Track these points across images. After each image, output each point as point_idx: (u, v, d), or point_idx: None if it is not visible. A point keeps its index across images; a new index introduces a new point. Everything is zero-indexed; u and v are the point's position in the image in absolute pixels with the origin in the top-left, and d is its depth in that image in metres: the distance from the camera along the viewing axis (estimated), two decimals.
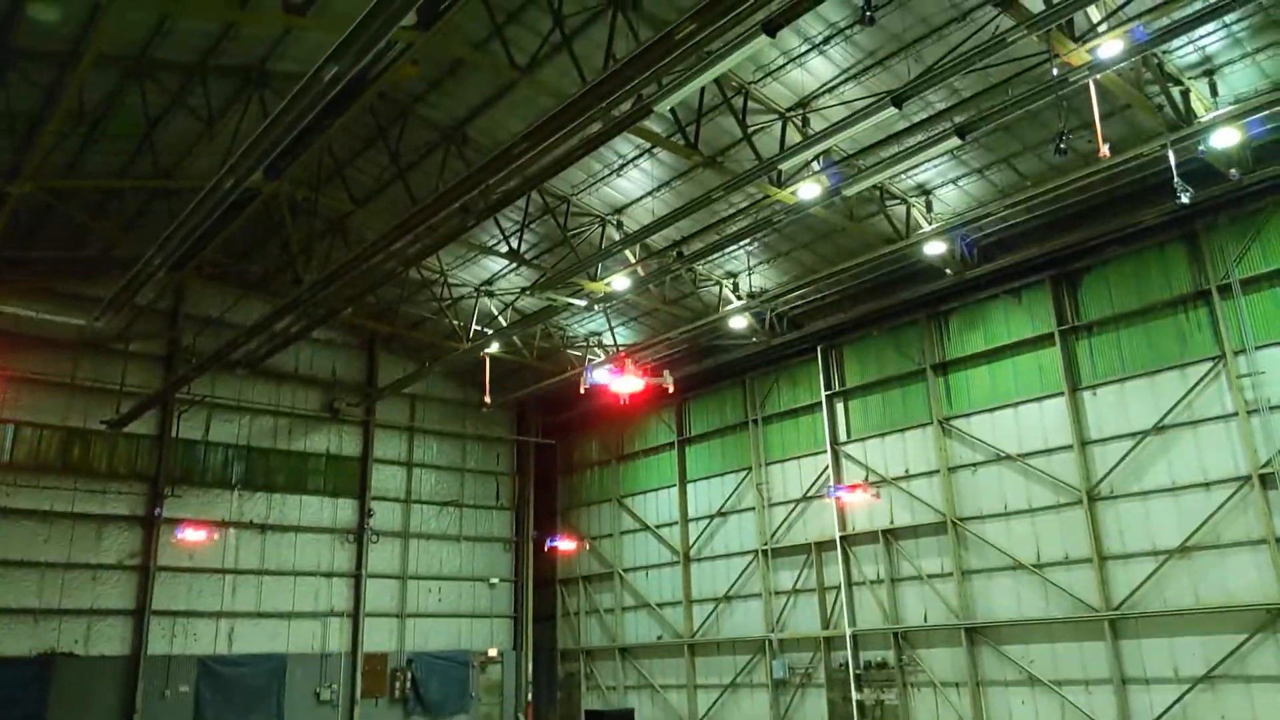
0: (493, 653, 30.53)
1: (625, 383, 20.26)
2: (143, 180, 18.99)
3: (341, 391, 29.03)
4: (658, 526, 29.72)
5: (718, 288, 24.14)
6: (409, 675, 28.34)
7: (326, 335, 28.60)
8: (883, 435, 23.99)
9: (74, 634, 23.27)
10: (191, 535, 24.45)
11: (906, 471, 23.28)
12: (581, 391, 21.09)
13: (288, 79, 16.38)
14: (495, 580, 31.34)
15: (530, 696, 30.84)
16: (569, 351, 28.33)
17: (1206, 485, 18.22)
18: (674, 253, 20.83)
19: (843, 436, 24.91)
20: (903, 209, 20.22)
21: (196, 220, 15.32)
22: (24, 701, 22.04)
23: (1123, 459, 19.42)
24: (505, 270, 24.97)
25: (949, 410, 22.69)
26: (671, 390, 20.79)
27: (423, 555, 29.91)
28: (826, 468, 24.90)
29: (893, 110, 14.61)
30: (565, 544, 30.60)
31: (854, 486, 23.29)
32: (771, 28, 12.17)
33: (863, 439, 24.42)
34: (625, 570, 30.45)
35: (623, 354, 19.66)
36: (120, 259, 21.94)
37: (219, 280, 26.31)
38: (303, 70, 12.25)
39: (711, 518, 28.09)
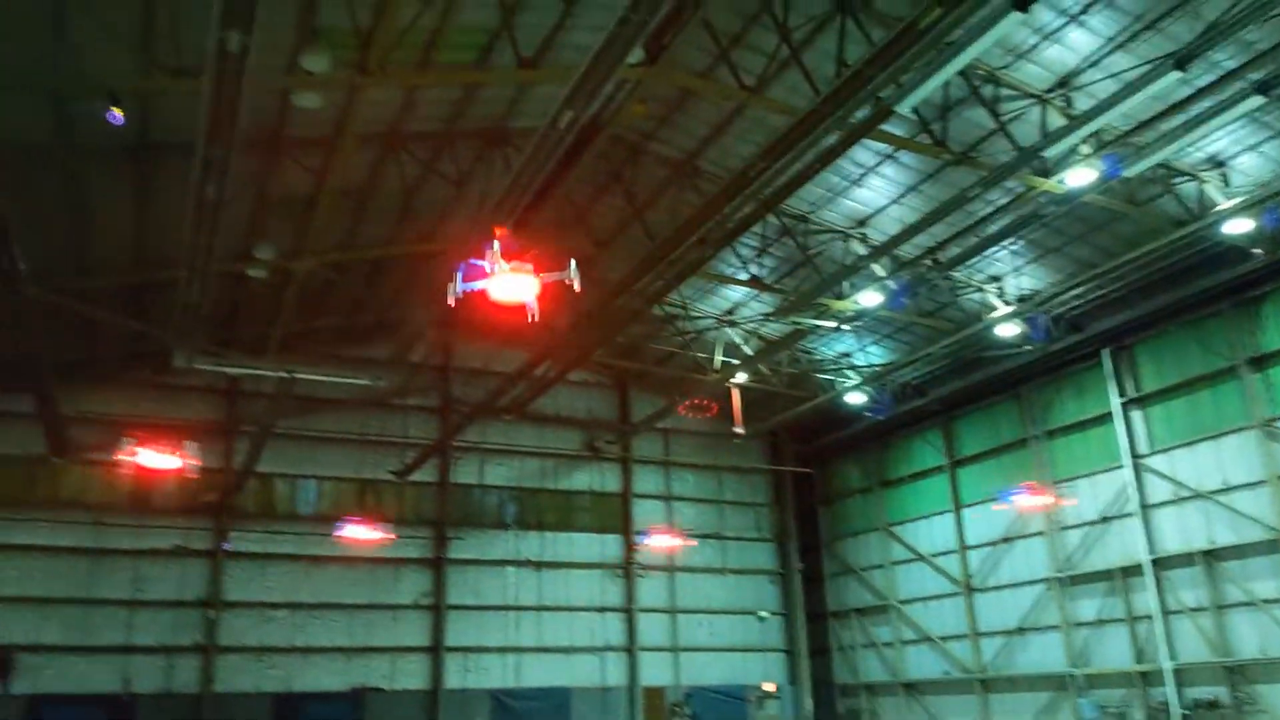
0: (770, 687, 29.82)
1: (507, 284, 11.31)
2: (407, 246, 20.34)
3: (599, 430, 29.72)
4: (933, 555, 27.91)
5: (980, 294, 22.33)
6: (688, 714, 28.21)
7: (580, 377, 29.38)
8: (1191, 444, 21.17)
9: (380, 670, 25.12)
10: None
11: (1224, 483, 20.38)
12: (450, 304, 11.82)
13: (527, 135, 16.96)
14: (764, 613, 30.70)
15: None
16: (819, 375, 27.39)
17: None
18: (928, 261, 19.48)
19: (1143, 448, 22.21)
20: (1193, 186, 17.79)
21: None
22: None
23: None
24: (746, 298, 24.57)
25: (1272, 410, 19.63)
26: (578, 289, 11.58)
27: (689, 589, 29.85)
28: (1126, 484, 22.28)
29: (1174, 75, 12.87)
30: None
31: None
32: (1023, 2, 11.02)
33: (1167, 449, 21.66)
34: (901, 602, 28.80)
35: (500, 228, 11.11)
36: (394, 322, 23.67)
37: (480, 333, 27.80)
38: (540, 124, 12.51)
39: (994, 544, 25.98)
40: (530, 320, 11.55)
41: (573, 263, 11.24)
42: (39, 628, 22.00)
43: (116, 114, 11.80)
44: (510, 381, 21.95)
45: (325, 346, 25.47)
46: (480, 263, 10.75)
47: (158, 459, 18.52)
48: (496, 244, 11.11)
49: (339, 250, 19.90)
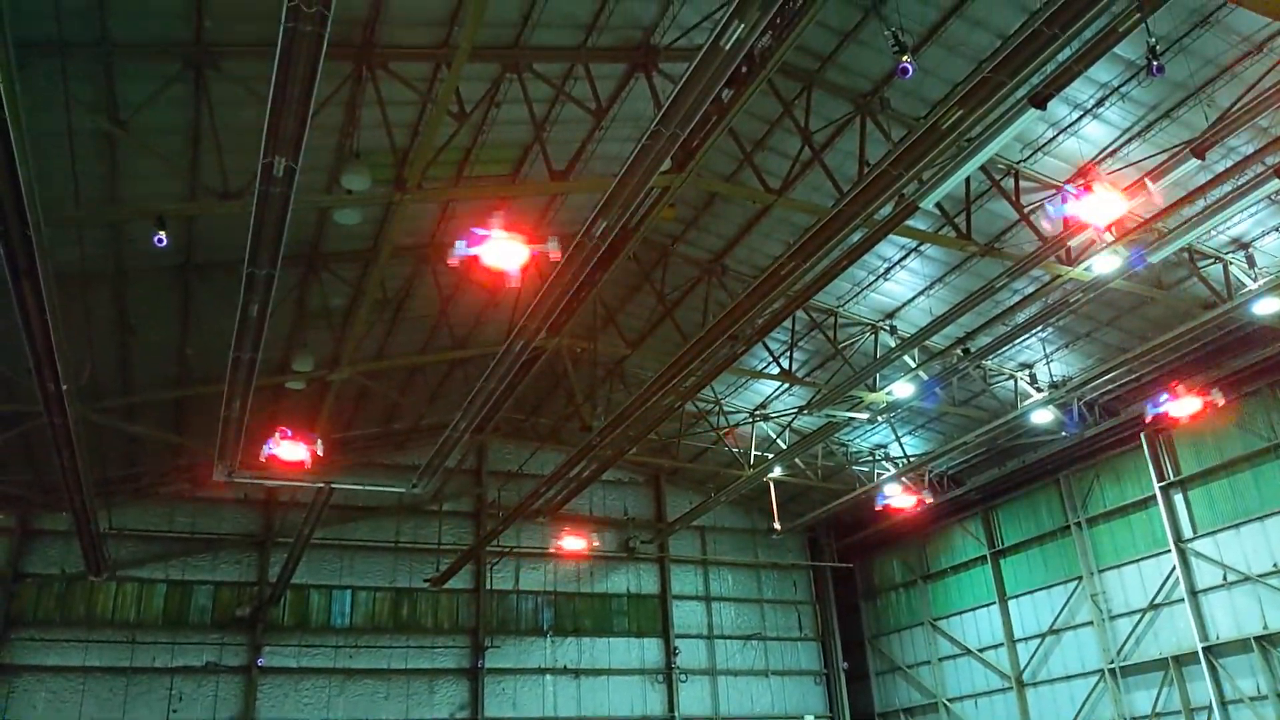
0: None
1: (498, 250, 12.03)
2: (442, 354, 20.68)
3: (634, 529, 29.44)
4: (980, 650, 27.10)
5: (1012, 382, 22.29)
6: None
7: (615, 476, 29.31)
8: (1237, 526, 20.71)
9: None
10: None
11: (1275, 565, 19.84)
12: (451, 264, 12.80)
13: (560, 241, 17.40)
14: (810, 717, 29.72)
15: None
16: (854, 468, 27.17)
17: None
18: (958, 351, 19.53)
19: (1187, 532, 21.74)
20: (1219, 268, 17.85)
21: (493, 384, 16.28)
22: None
23: None
24: (778, 391, 24.61)
25: None
26: (555, 258, 12.24)
27: (732, 693, 29.04)
28: (1174, 569, 21.72)
29: (1193, 163, 13.09)
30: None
31: None
32: (1040, 100, 11.33)
33: (1213, 532, 21.18)
34: (950, 700, 27.86)
35: (499, 202, 11.96)
36: (428, 428, 23.87)
37: (515, 436, 27.95)
38: (570, 232, 12.87)
39: (1043, 636, 25.23)
40: (512, 288, 12.67)
41: (553, 239, 12.11)
42: None
43: (161, 236, 12.25)
44: (546, 484, 21.97)
45: (361, 454, 25.65)
46: (483, 231, 11.62)
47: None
48: (499, 215, 12.12)
49: (375, 359, 20.26)
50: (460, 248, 11.83)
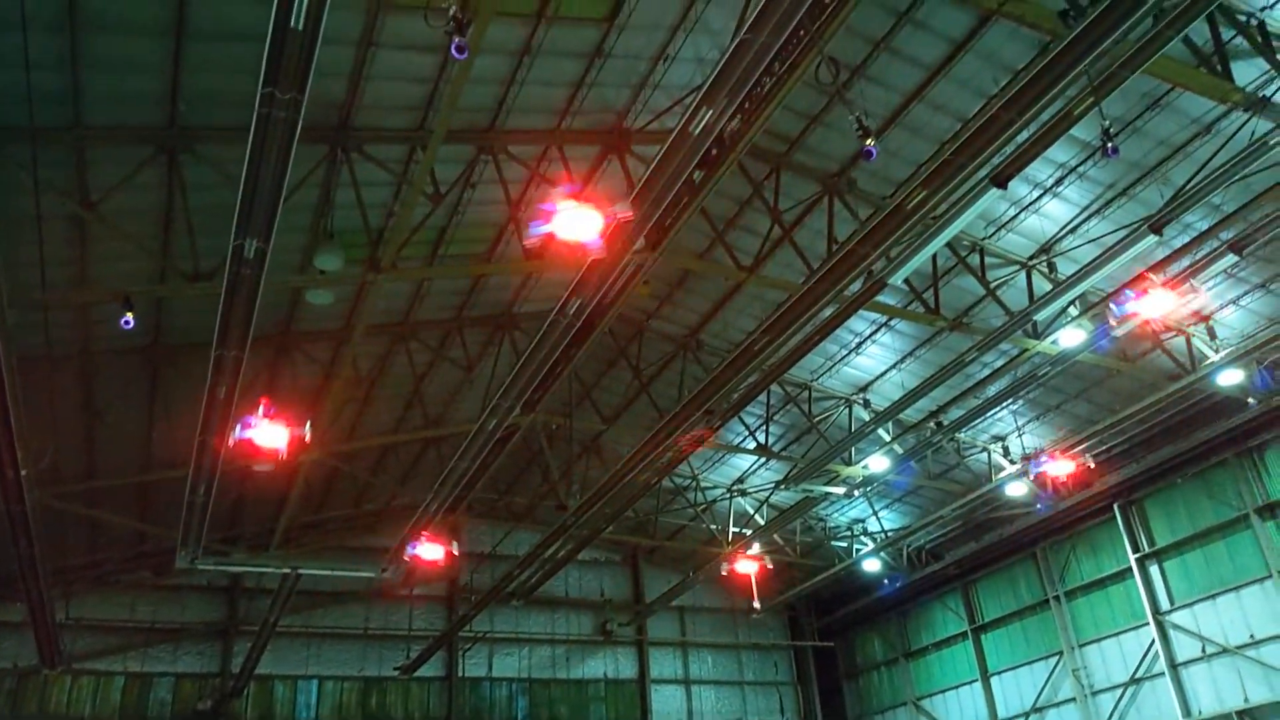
0: None
1: (570, 223, 10.92)
2: (415, 433, 20.49)
3: (612, 611, 28.86)
4: None
5: (986, 454, 22.41)
6: None
7: (591, 555, 28.84)
8: (1213, 597, 20.64)
9: None
10: None
11: (1251, 637, 19.72)
12: (525, 246, 12.42)
13: (533, 318, 17.49)
14: None
15: None
16: (833, 544, 26.99)
17: None
18: (931, 424, 19.66)
19: (1164, 604, 21.64)
20: (1182, 340, 18.19)
21: (466, 462, 16.12)
22: None
23: None
24: (755, 466, 24.55)
25: None
26: (630, 218, 10.93)
27: None
28: (1153, 642, 21.58)
29: (1151, 239, 13.43)
30: None
31: None
32: (1001, 180, 11.66)
33: (1189, 604, 21.09)
34: None
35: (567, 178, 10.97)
36: (400, 509, 23.51)
37: (488, 516, 27.51)
38: (546, 309, 12.94)
39: (1026, 715, 24.83)
40: (595, 254, 11.19)
41: (623, 202, 10.82)
42: None
43: (128, 318, 12.10)
44: (521, 565, 21.62)
45: (330, 537, 25.14)
46: (549, 206, 10.67)
47: None
48: (564, 187, 11.07)
49: (346, 439, 20.02)
50: (535, 227, 10.90)
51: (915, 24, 12.54)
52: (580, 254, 11.17)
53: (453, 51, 7.89)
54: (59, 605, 19.24)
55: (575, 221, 10.76)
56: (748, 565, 24.30)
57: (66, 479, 17.17)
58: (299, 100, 7.83)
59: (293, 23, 7.16)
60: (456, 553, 19.47)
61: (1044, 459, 20.03)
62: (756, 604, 26.32)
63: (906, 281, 15.59)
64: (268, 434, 13.48)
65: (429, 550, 16.30)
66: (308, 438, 14.28)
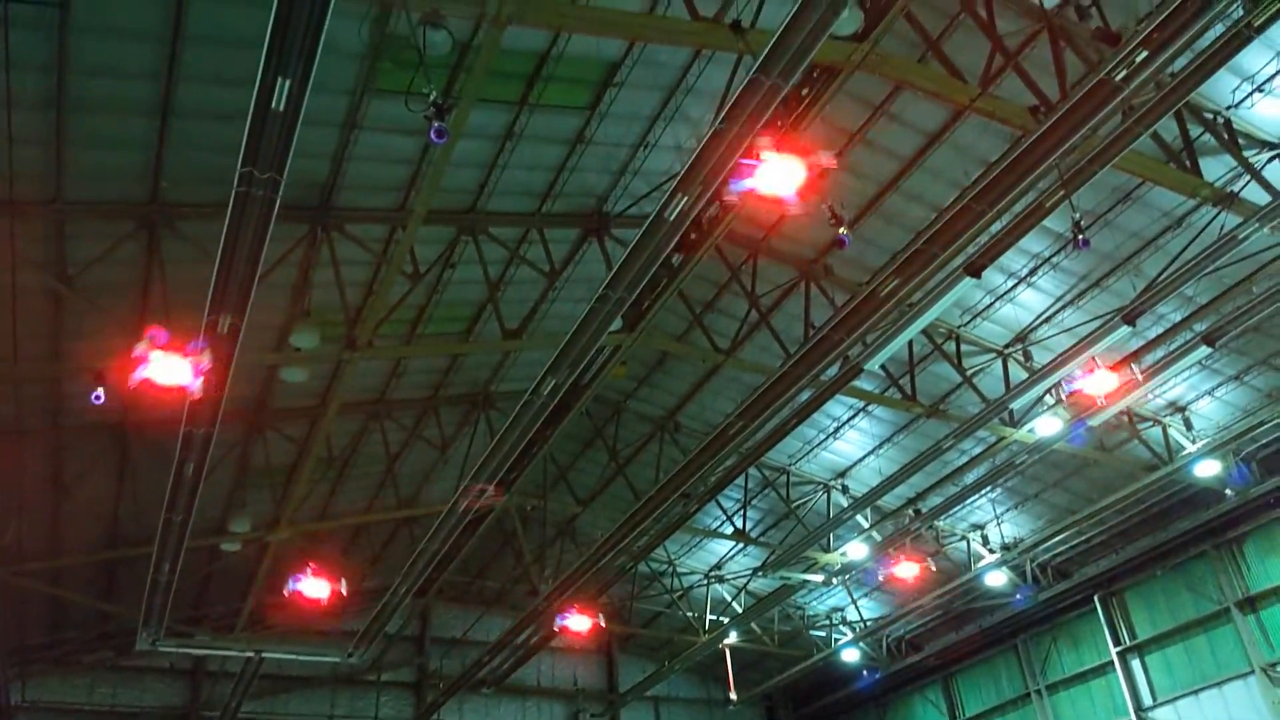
0: None
1: (773, 173, 9.84)
2: (386, 513, 20.17)
3: (585, 700, 28.07)
4: None
5: (965, 543, 22.23)
6: None
7: (564, 643, 28.20)
8: (1196, 692, 20.29)
9: None
10: None
11: None
12: (729, 203, 11.33)
13: (510, 397, 17.40)
14: None
15: None
16: (811, 633, 26.51)
17: None
18: (910, 511, 19.55)
19: (1147, 699, 21.24)
20: (1158, 430, 18.28)
21: (438, 544, 15.84)
22: None
23: None
24: (733, 551, 24.23)
25: (1270, 654, 19.05)
26: (833, 164, 10.07)
27: None
28: None
29: (1125, 330, 13.61)
30: None
31: None
32: (975, 269, 11.84)
33: (1172, 699, 20.71)
34: None
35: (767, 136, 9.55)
36: (370, 591, 22.95)
37: (459, 600, 26.89)
38: (522, 389, 12.88)
39: None
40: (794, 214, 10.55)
41: (825, 151, 9.88)
42: None
43: (99, 392, 11.90)
44: (491, 652, 21.08)
45: (298, 619, 24.46)
46: (750, 162, 9.71)
47: None
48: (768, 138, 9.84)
49: (317, 519, 19.67)
50: (735, 184, 9.89)
51: (890, 116, 12.87)
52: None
53: (431, 136, 8.00)
54: (15, 687, 18.53)
55: (777, 175, 9.70)
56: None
57: (29, 555, 16.72)
58: (277, 180, 7.90)
59: (274, 105, 7.27)
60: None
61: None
62: (733, 694, 25.72)
63: (883, 367, 15.67)
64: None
65: (313, 587, 16.63)
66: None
